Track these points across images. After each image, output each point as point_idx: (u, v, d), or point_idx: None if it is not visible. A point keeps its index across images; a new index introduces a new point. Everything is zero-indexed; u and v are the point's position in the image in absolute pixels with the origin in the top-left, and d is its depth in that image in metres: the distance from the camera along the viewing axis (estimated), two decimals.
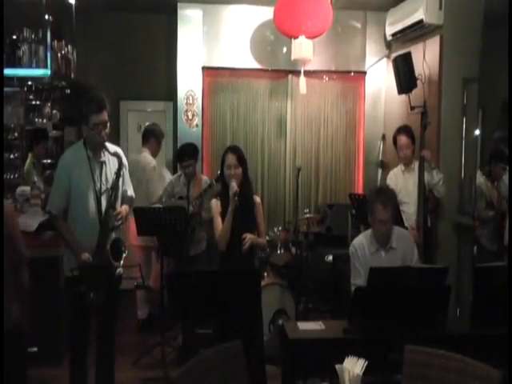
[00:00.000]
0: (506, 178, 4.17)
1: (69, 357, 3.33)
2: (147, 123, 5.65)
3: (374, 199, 3.26)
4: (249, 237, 3.39)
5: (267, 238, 4.90)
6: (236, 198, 3.33)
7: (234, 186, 3.36)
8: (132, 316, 5.19)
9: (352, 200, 4.67)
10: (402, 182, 4.56)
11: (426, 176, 4.37)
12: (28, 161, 5.44)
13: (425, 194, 4.39)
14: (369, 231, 3.39)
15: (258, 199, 3.57)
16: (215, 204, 3.51)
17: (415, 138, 4.51)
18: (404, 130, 4.56)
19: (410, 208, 4.42)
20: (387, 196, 3.27)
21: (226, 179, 3.46)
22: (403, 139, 4.49)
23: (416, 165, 4.45)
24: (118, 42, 6.30)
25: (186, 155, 4.53)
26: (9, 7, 4.20)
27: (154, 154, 5.22)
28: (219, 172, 3.69)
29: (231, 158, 3.45)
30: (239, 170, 3.44)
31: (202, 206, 4.42)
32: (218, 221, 3.45)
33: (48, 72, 5.12)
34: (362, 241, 3.37)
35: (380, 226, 3.23)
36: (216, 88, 5.97)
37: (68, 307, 3.34)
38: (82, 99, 3.22)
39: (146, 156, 5.13)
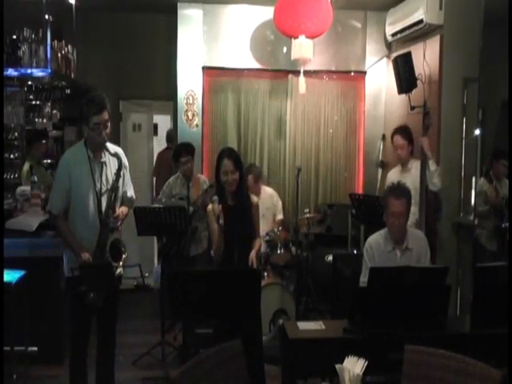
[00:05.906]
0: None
1: (69, 357, 3.34)
2: None
3: (388, 194, 3.30)
4: (252, 258, 3.31)
5: (267, 237, 4.91)
6: (222, 223, 3.21)
7: (216, 207, 3.24)
8: (132, 316, 5.19)
9: (352, 200, 4.66)
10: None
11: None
12: (24, 168, 5.15)
13: (426, 193, 4.38)
14: (385, 230, 3.38)
15: (255, 199, 3.47)
16: (212, 210, 3.35)
17: (413, 139, 4.46)
18: (400, 130, 4.53)
19: None
20: (400, 190, 3.30)
21: (223, 185, 3.30)
22: (398, 140, 4.47)
23: (413, 165, 4.42)
24: (117, 41, 6.30)
25: (183, 151, 4.57)
26: (9, 7, 4.21)
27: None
28: (215, 178, 3.47)
29: (228, 164, 3.25)
30: (236, 175, 3.26)
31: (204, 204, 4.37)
32: (215, 231, 3.33)
33: (48, 72, 5.12)
34: (378, 239, 3.37)
35: (393, 219, 3.23)
36: (216, 88, 5.97)
37: (68, 307, 3.34)
38: (82, 99, 3.22)
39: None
